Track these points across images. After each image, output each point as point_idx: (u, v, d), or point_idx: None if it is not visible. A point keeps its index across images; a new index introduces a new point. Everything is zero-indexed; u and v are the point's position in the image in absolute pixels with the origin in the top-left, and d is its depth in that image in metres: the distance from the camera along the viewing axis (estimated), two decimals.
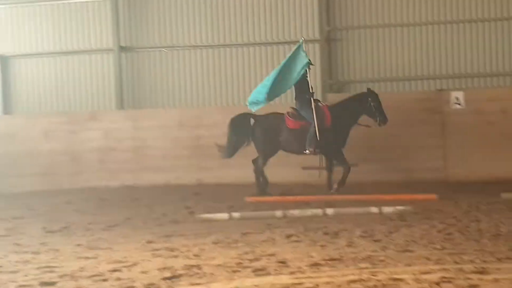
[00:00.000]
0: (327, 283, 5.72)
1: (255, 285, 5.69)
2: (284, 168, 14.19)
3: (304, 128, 12.30)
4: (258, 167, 12.60)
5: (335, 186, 12.16)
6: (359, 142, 13.66)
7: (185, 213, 10.61)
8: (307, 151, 12.24)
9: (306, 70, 12.00)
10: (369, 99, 12.34)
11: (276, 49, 15.49)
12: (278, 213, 9.87)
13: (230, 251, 7.28)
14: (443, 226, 8.53)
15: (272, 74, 12.16)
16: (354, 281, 5.74)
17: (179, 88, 15.83)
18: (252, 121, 12.72)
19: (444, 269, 6.08)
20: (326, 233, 8.26)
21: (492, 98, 13.68)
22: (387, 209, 9.86)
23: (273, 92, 11.96)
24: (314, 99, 12.25)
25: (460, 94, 13.77)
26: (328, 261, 6.60)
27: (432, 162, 13.31)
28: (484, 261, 6.39)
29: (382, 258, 6.69)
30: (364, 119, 12.50)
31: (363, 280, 5.77)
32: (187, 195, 12.96)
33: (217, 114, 14.96)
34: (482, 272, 5.95)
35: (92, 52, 16.23)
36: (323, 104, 12.64)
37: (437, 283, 5.59)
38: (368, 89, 12.63)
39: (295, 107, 12.51)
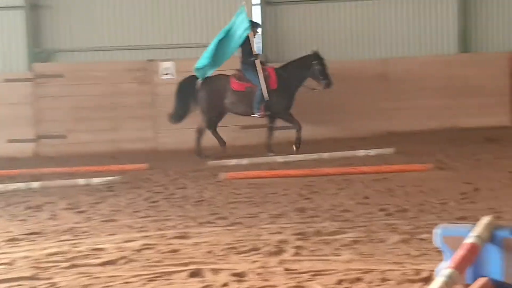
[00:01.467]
0: (25, 257, 5.43)
1: None
2: None
3: (250, 90, 12.28)
4: (201, 129, 12.45)
5: (293, 147, 12.10)
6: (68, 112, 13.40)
7: None
8: (256, 114, 12.29)
9: (248, 33, 12.01)
10: (314, 62, 12.31)
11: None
12: None
13: None
14: (149, 194, 8.59)
15: (215, 39, 12.18)
16: (53, 254, 5.52)
17: None
18: (198, 83, 12.43)
19: (147, 236, 6.09)
20: (28, 207, 7.89)
21: None
22: (95, 181, 9.67)
23: (219, 58, 12.13)
24: (261, 61, 12.28)
25: (170, 65, 13.90)
26: (28, 235, 6.28)
27: (142, 132, 13.35)
28: (186, 226, 6.52)
29: (85, 229, 6.53)
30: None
31: (63, 252, 5.57)
32: None
33: None
34: (184, 237, 6.06)
35: None
36: (269, 66, 12.55)
37: (139, 250, 5.57)
38: (313, 51, 12.54)
39: (240, 69, 12.43)
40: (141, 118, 13.30)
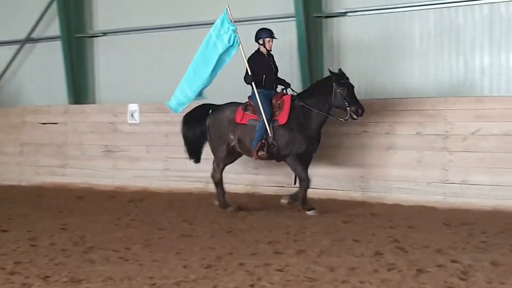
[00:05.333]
0: None
1: None
2: None
3: (253, 123, 9.37)
4: (214, 174, 9.76)
5: (299, 206, 9.32)
6: None
7: None
8: (253, 156, 9.31)
9: (237, 46, 9.21)
10: (334, 84, 9.09)
11: None
12: None
13: None
14: None
15: (194, 65, 9.31)
16: None
17: None
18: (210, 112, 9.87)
19: None
20: None
21: None
22: None
23: (195, 82, 9.27)
24: (282, 85, 9.50)
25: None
26: None
27: None
28: None
29: None
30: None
31: None
32: None
33: None
34: None
35: None
36: (287, 93, 9.51)
37: None
38: (338, 71, 9.35)
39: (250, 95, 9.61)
40: None
